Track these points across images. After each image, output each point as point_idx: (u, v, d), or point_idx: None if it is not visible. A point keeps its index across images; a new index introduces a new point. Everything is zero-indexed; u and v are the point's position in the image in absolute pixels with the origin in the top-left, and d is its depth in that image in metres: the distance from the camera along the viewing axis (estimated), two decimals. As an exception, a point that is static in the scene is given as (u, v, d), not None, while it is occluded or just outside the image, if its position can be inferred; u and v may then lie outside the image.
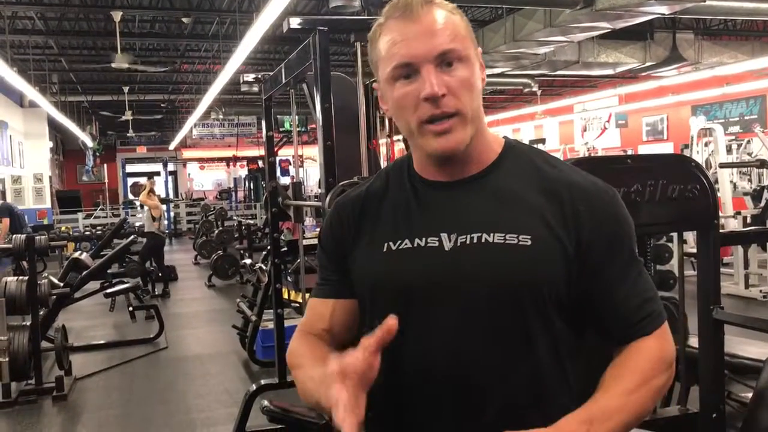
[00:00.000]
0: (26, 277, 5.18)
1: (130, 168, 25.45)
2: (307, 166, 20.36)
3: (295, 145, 4.63)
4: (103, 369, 5.85)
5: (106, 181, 23.73)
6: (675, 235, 6.21)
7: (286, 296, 5.62)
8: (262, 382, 4.00)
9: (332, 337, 1.26)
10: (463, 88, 1.10)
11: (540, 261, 1.10)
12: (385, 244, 1.17)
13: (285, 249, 4.86)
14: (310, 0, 9.57)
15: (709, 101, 13.89)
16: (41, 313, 5.32)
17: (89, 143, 19.16)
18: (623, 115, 16.64)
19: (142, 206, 11.06)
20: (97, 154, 21.47)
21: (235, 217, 14.71)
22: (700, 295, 2.20)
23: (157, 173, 23.27)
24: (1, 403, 4.83)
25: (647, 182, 2.03)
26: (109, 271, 7.82)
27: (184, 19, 9.86)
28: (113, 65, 9.50)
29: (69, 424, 4.67)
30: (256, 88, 10.85)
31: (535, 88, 14.35)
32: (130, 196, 20.39)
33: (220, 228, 12.30)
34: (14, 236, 5.77)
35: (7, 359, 4.80)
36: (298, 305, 5.62)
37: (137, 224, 13.60)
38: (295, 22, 3.00)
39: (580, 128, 18.36)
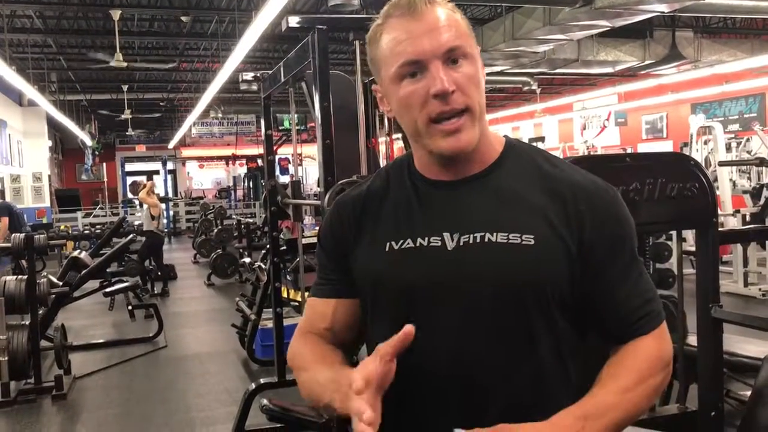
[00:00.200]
0: (25, 276, 5.18)
1: (129, 167, 25.46)
2: (306, 165, 20.38)
3: (294, 143, 4.63)
4: (102, 368, 5.85)
5: (105, 179, 23.72)
6: (674, 233, 6.21)
7: (285, 295, 5.62)
8: (262, 381, 4.00)
9: (333, 336, 1.26)
10: (471, 84, 1.10)
11: (543, 261, 1.10)
12: (387, 244, 1.17)
13: (284, 248, 4.85)
14: (309, -2, 9.56)
15: (709, 99, 13.89)
16: (40, 312, 5.31)
17: (88, 142, 19.15)
18: (622, 114, 16.64)
19: (141, 205, 11.05)
20: (96, 152, 21.47)
21: (234, 216, 14.72)
22: (699, 293, 2.20)
23: (156, 172, 23.29)
24: (1, 402, 4.82)
25: (646, 181, 2.03)
26: (108, 270, 7.81)
27: (183, 18, 9.86)
28: (113, 63, 9.49)
29: (68, 423, 4.67)
30: (255, 87, 10.85)
31: (534, 87, 14.36)
32: (129, 195, 20.37)
33: (220, 227, 12.29)
34: (13, 235, 5.77)
35: (6, 358, 4.80)
36: (297, 304, 5.62)
37: (136, 223, 13.58)
38: (293, 21, 3.00)
39: (579, 126, 18.36)
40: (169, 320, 7.47)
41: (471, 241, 1.12)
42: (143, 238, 9.76)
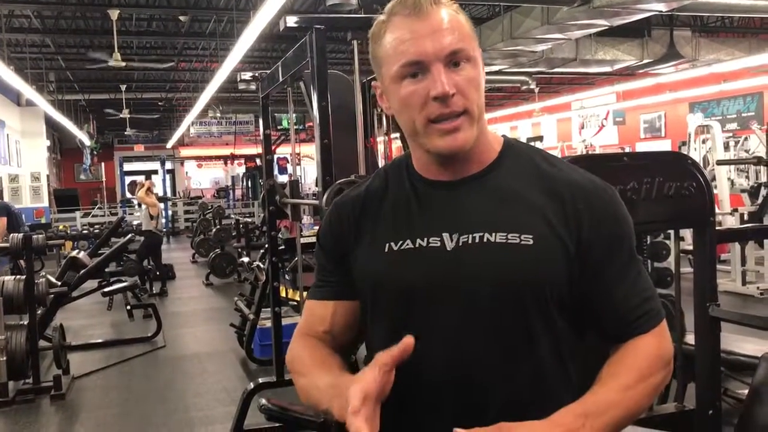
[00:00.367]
0: (24, 276, 5.17)
1: (127, 166, 25.44)
2: (304, 164, 20.38)
3: (292, 143, 4.63)
4: (101, 368, 5.84)
5: (104, 179, 23.68)
6: (672, 232, 6.22)
7: (283, 294, 5.63)
8: (260, 380, 4.00)
9: (332, 339, 1.27)
10: (471, 87, 1.10)
11: (542, 260, 1.11)
12: (386, 245, 1.17)
13: (282, 247, 4.86)
14: (307, -2, 9.55)
15: (707, 98, 13.89)
16: (39, 312, 5.31)
17: (87, 142, 19.12)
18: (621, 113, 16.65)
19: (139, 205, 11.04)
20: (95, 152, 21.43)
21: (232, 216, 14.72)
22: (697, 292, 2.20)
23: (155, 172, 23.27)
24: (-1, 402, 4.83)
25: (643, 180, 2.03)
26: (106, 269, 7.80)
27: (182, 18, 9.85)
28: (111, 63, 9.48)
29: (67, 423, 4.67)
30: (253, 87, 10.84)
31: (532, 86, 14.36)
32: (128, 195, 20.35)
33: (218, 226, 12.29)
34: (11, 235, 5.77)
35: (4, 358, 4.79)
36: (295, 303, 5.63)
37: (135, 223, 13.58)
38: (291, 21, 3.00)
39: (577, 125, 18.36)
40: (168, 320, 7.47)
41: (470, 242, 1.12)
42: (142, 238, 9.76)
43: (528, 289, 1.11)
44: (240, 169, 24.13)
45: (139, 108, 18.52)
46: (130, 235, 8.65)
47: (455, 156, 1.14)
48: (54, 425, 4.62)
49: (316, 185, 3.38)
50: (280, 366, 3.92)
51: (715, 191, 8.44)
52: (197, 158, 26.55)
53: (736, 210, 8.40)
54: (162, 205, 12.69)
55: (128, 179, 23.27)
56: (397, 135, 3.79)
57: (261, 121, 4.18)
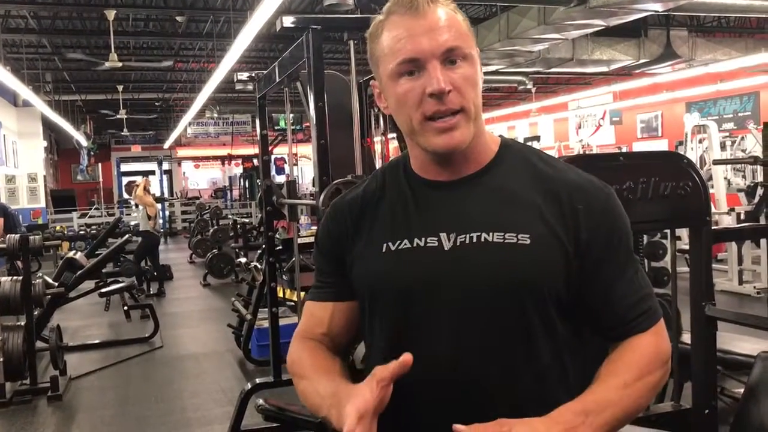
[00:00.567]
0: (20, 277, 5.16)
1: (124, 167, 25.39)
2: (302, 165, 20.37)
3: (289, 143, 4.62)
4: (98, 368, 5.84)
5: (101, 180, 23.66)
6: (669, 231, 6.23)
7: (281, 295, 5.62)
8: (257, 380, 4.01)
9: (331, 340, 1.27)
10: (468, 85, 1.11)
11: (540, 260, 1.11)
12: (384, 245, 1.17)
13: (280, 247, 4.86)
14: (304, -2, 9.54)
15: (703, 98, 13.91)
16: (36, 312, 5.30)
17: (83, 142, 19.09)
18: (617, 112, 16.66)
19: (137, 205, 11.03)
20: (92, 153, 21.41)
21: (230, 216, 14.71)
22: (693, 291, 2.21)
23: (152, 172, 23.22)
24: (-4, 403, 4.83)
25: (640, 179, 2.04)
26: (104, 270, 7.80)
27: (178, 18, 9.83)
28: (107, 64, 9.46)
29: (64, 424, 4.66)
30: (250, 87, 10.82)
31: (529, 86, 14.35)
32: (125, 195, 20.32)
33: (215, 227, 12.28)
34: (8, 236, 5.75)
35: (1, 359, 4.79)
36: (293, 304, 5.63)
37: (132, 223, 13.56)
38: (288, 21, 3.00)
39: (574, 125, 18.38)
40: (165, 320, 7.47)
41: (467, 241, 1.12)
42: (139, 239, 9.75)
43: (526, 289, 1.11)
44: (237, 170, 24.11)
45: (136, 108, 18.50)
46: (127, 236, 8.65)
47: (452, 155, 1.14)
48: (51, 426, 4.62)
49: (313, 185, 3.38)
50: (278, 366, 3.93)
51: (711, 191, 8.45)
52: (194, 159, 26.52)
53: (732, 209, 8.42)
54: (159, 206, 12.69)
55: (125, 180, 23.26)
56: (394, 135, 3.80)
57: (258, 122, 4.18)
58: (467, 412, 1.10)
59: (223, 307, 8.03)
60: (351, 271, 1.22)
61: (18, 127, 14.99)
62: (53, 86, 14.74)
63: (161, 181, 23.33)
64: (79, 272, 6.46)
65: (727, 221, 8.18)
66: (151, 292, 9.52)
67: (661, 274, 6.61)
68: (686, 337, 2.41)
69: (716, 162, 8.76)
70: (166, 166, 25.25)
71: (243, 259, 8.26)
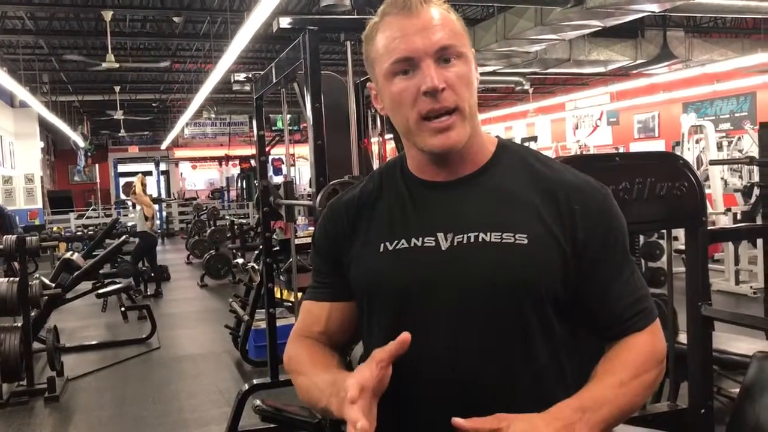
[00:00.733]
0: (17, 278, 5.16)
1: (122, 168, 25.36)
2: (299, 165, 20.34)
3: (286, 144, 4.62)
4: (95, 369, 5.83)
5: (98, 181, 23.63)
6: (665, 232, 6.23)
7: (278, 296, 5.61)
8: (255, 381, 4.00)
9: (328, 339, 1.28)
10: (462, 83, 1.11)
11: (537, 259, 1.11)
12: (382, 245, 1.18)
13: (277, 248, 4.86)
14: (301, -2, 9.55)
15: (700, 98, 13.93)
16: (33, 313, 5.30)
17: (81, 143, 19.07)
18: (614, 113, 16.69)
19: (134, 206, 11.02)
20: (89, 154, 21.37)
21: (227, 217, 14.71)
22: (689, 291, 2.22)
23: (149, 173, 23.19)
24: (-7, 404, 4.82)
25: (635, 180, 2.04)
26: (101, 271, 7.79)
27: (175, 19, 9.83)
28: (104, 65, 9.45)
29: (61, 425, 4.66)
30: (247, 87, 10.83)
31: (526, 86, 14.37)
32: (122, 196, 20.31)
33: (213, 227, 12.29)
34: (5, 237, 5.74)
35: (-2, 360, 4.79)
36: (290, 304, 5.62)
37: (129, 224, 13.56)
38: (284, 22, 3.00)
39: (571, 126, 18.39)
40: (163, 321, 7.46)
41: (465, 241, 1.13)
42: (136, 239, 9.74)
43: (523, 289, 1.11)
44: (235, 170, 24.09)
45: (134, 109, 18.48)
46: (124, 237, 8.65)
47: (449, 155, 1.15)
48: (48, 427, 4.61)
49: (310, 186, 3.38)
50: (275, 367, 3.93)
51: (708, 191, 8.48)
52: (192, 159, 26.49)
53: (729, 209, 8.43)
54: (156, 207, 12.68)
55: (122, 181, 23.25)
56: (391, 136, 3.80)
57: (255, 123, 4.18)
58: (465, 411, 1.10)
59: (220, 308, 8.03)
60: (348, 272, 1.23)
61: (15, 128, 14.97)
62: (50, 87, 14.72)
63: (158, 181, 23.32)
64: (76, 273, 6.45)
65: (724, 221, 8.20)
66: (149, 293, 9.51)
67: (658, 274, 6.60)
68: (683, 337, 2.42)
69: (713, 162, 8.77)
70: (163, 166, 25.22)
71: (240, 260, 8.27)
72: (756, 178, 9.56)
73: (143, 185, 9.78)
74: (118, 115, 16.28)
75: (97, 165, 23.70)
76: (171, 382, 5.50)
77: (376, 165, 3.77)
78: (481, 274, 1.11)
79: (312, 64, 2.88)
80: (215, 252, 10.59)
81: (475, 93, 1.15)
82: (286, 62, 3.28)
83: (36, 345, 5.44)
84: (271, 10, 5.63)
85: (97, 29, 10.41)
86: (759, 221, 7.74)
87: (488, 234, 1.12)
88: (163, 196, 22.98)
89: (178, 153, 25.82)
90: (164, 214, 19.40)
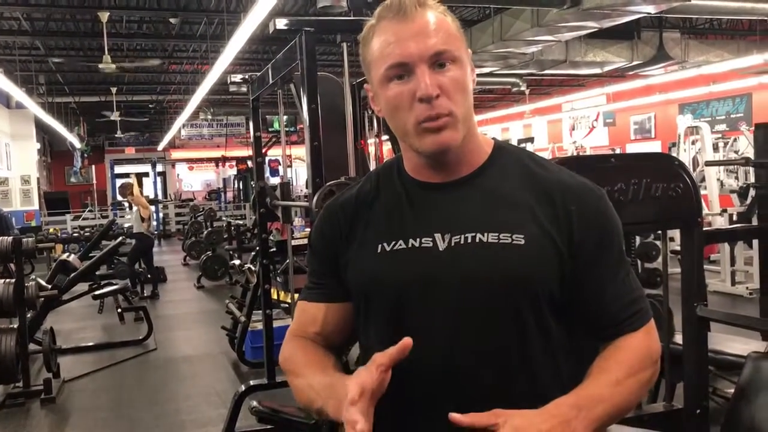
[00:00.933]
0: (13, 280, 5.15)
1: (118, 169, 25.33)
2: (296, 166, 20.34)
3: (282, 145, 4.63)
4: (91, 371, 5.82)
5: (95, 182, 23.59)
6: (661, 232, 6.24)
7: (275, 297, 5.61)
8: (251, 382, 4.01)
9: (324, 340, 1.28)
10: (457, 88, 1.11)
11: (534, 260, 1.12)
12: (379, 245, 1.18)
13: (274, 249, 4.86)
14: None
15: (696, 100, 13.97)
16: (29, 315, 5.29)
17: (77, 144, 19.03)
18: (611, 114, 16.72)
19: (130, 207, 11.01)
20: (85, 155, 21.35)
21: (224, 218, 14.68)
22: (684, 292, 2.22)
23: (146, 174, 23.19)
24: (-11, 406, 4.81)
25: (631, 181, 2.05)
26: (97, 272, 7.77)
27: (172, 20, 9.81)
28: (101, 66, 9.44)
29: (57, 426, 4.65)
30: (244, 89, 10.83)
31: (523, 88, 14.38)
32: (119, 197, 20.29)
33: (209, 229, 12.25)
34: (1, 238, 5.73)
35: (-6, 362, 4.78)
36: (287, 306, 5.62)
37: (126, 225, 13.53)
38: (281, 23, 3.00)
39: (568, 127, 18.43)
40: (159, 323, 7.45)
41: (462, 242, 1.13)
42: (133, 241, 9.73)
43: (520, 289, 1.12)
44: (231, 172, 24.08)
45: (130, 110, 18.46)
46: (120, 238, 8.62)
47: (444, 157, 1.15)
48: (44, 429, 4.60)
49: (307, 187, 3.38)
50: (272, 368, 3.92)
51: (704, 192, 8.49)
52: (188, 160, 26.48)
53: (725, 210, 8.45)
54: (153, 208, 12.66)
55: (119, 182, 23.20)
56: (388, 137, 3.80)
57: (252, 124, 4.18)
58: (462, 409, 1.11)
59: (217, 309, 8.02)
60: (345, 273, 1.23)
61: (11, 129, 14.93)
62: (46, 88, 14.71)
63: (155, 182, 23.31)
64: (72, 274, 6.44)
65: (720, 222, 8.21)
66: (145, 295, 9.49)
67: (654, 275, 6.62)
68: (678, 338, 2.42)
69: (709, 163, 8.79)
70: (160, 168, 25.23)
71: (237, 261, 8.25)
72: (752, 179, 9.59)
73: (137, 186, 9.77)
74: (115, 116, 16.25)
75: (93, 166, 23.67)
76: (168, 383, 5.50)
77: (372, 166, 3.77)
78: (479, 274, 1.12)
79: (308, 66, 2.88)
80: (212, 253, 10.58)
81: (471, 96, 1.16)
82: (283, 63, 3.28)
83: (32, 346, 5.43)
84: (268, 12, 5.64)
85: (93, 30, 10.40)
86: (755, 222, 7.76)
87: (486, 235, 1.13)
88: (160, 197, 22.95)
89: (175, 154, 25.80)
90: (161, 215, 19.38)
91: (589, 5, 6.91)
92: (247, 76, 10.41)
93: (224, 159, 22.50)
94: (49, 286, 5.82)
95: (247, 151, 21.42)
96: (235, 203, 20.93)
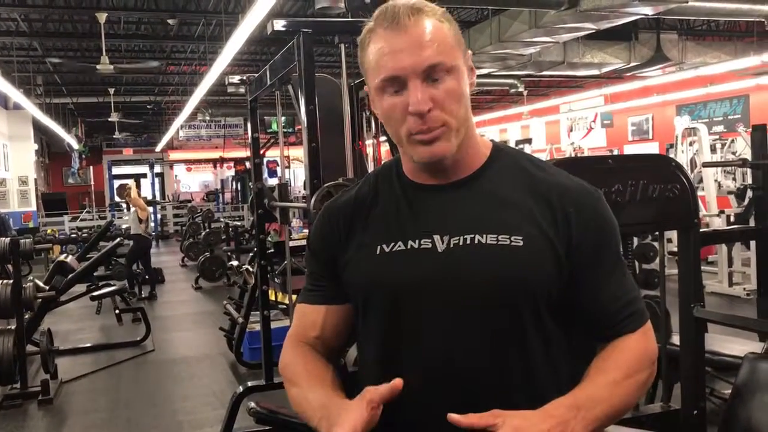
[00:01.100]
0: (11, 281, 5.14)
1: (116, 170, 25.28)
2: (294, 167, 20.34)
3: (281, 146, 4.62)
4: (89, 372, 5.82)
5: (93, 183, 23.57)
6: (658, 233, 6.24)
7: (273, 298, 5.62)
8: (249, 383, 4.00)
9: (323, 343, 1.28)
10: (451, 99, 1.11)
11: (532, 261, 1.12)
12: (378, 247, 1.18)
13: (271, 251, 4.85)
14: (296, 0, 9.55)
15: (694, 101, 13.97)
16: (26, 316, 5.28)
17: (75, 145, 19.01)
18: (608, 115, 16.72)
19: (128, 208, 11.00)
20: (83, 156, 21.32)
21: (222, 219, 14.67)
22: (682, 293, 2.23)
23: (144, 175, 23.16)
24: (-14, 407, 4.80)
25: (628, 182, 2.05)
26: (95, 273, 7.77)
27: (170, 21, 9.81)
28: (98, 67, 9.43)
29: (55, 428, 4.64)
30: (242, 90, 10.82)
31: (521, 89, 14.38)
32: (117, 198, 20.26)
33: (207, 230, 12.24)
34: (-1, 239, 5.73)
35: (-8, 363, 4.77)
36: (285, 307, 5.62)
37: (124, 226, 13.52)
38: (279, 25, 3.00)
39: (566, 128, 18.43)
40: (157, 324, 7.44)
41: (461, 243, 1.14)
42: (131, 242, 9.72)
43: (519, 290, 1.13)
44: (229, 173, 24.07)
45: (128, 111, 18.44)
46: (118, 239, 8.61)
47: (440, 164, 1.16)
48: (42, 430, 4.60)
49: (305, 188, 3.38)
50: (270, 369, 3.92)
51: (702, 193, 8.51)
52: (186, 161, 26.46)
53: (722, 212, 8.46)
54: (151, 209, 12.65)
55: (117, 183, 23.18)
56: (386, 138, 3.80)
57: (250, 125, 4.18)
58: (460, 410, 1.11)
59: (215, 311, 8.02)
60: (344, 274, 1.23)
61: (9, 130, 14.91)
62: (44, 89, 14.68)
63: (153, 183, 23.28)
64: (70, 276, 6.43)
65: (718, 223, 8.22)
66: (143, 296, 9.48)
67: (651, 276, 6.62)
68: (676, 339, 2.43)
69: (706, 164, 8.80)
70: (158, 168, 25.18)
71: (235, 263, 8.25)
72: (749, 180, 9.61)
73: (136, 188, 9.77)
74: (113, 117, 16.24)
75: (91, 167, 23.65)
76: (165, 384, 5.49)
77: (370, 167, 3.78)
78: (478, 275, 1.12)
79: (306, 67, 2.88)
80: (210, 254, 10.58)
81: (467, 103, 1.15)
82: (281, 64, 3.28)
83: (30, 348, 5.42)
84: (266, 13, 5.64)
85: (91, 31, 10.39)
86: (752, 223, 7.78)
87: (484, 236, 1.13)
88: (158, 198, 22.93)
89: (173, 155, 25.79)
90: (159, 216, 19.37)
91: (587, 7, 6.92)
92: (245, 77, 10.39)
93: (222, 160, 22.50)
94: (47, 287, 5.82)
95: (245, 152, 21.39)
96: (233, 204, 20.92)
